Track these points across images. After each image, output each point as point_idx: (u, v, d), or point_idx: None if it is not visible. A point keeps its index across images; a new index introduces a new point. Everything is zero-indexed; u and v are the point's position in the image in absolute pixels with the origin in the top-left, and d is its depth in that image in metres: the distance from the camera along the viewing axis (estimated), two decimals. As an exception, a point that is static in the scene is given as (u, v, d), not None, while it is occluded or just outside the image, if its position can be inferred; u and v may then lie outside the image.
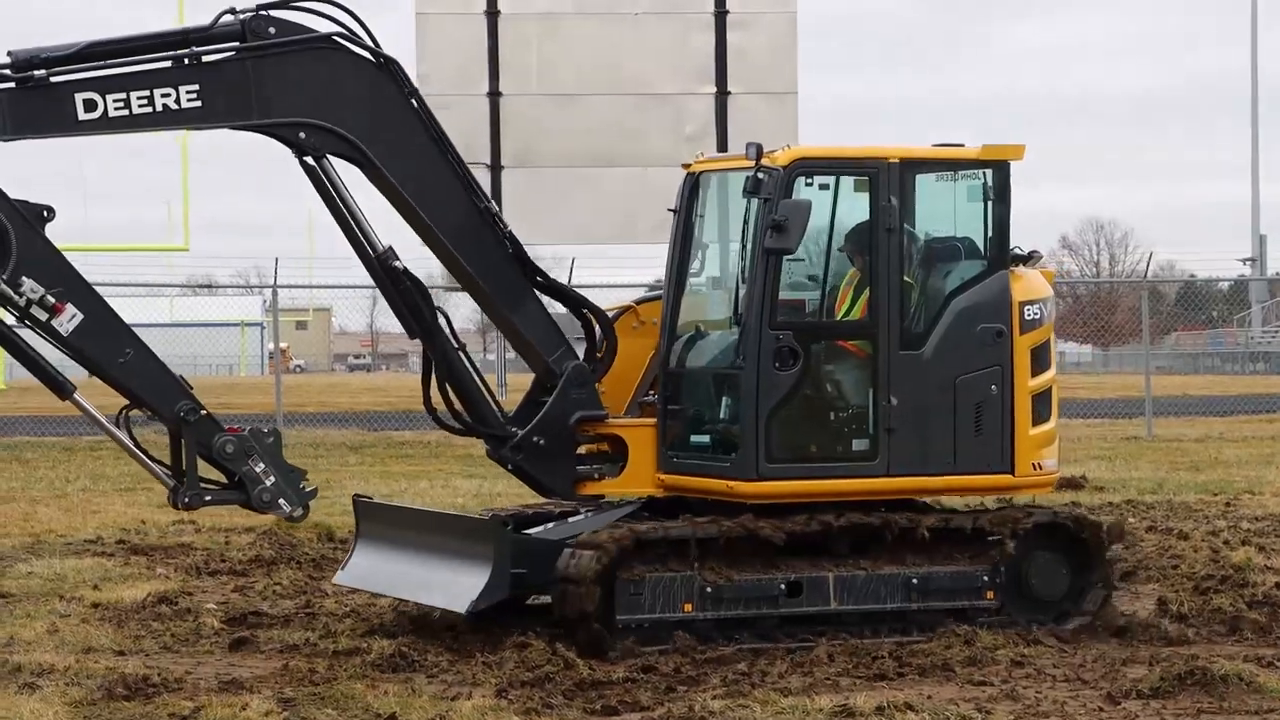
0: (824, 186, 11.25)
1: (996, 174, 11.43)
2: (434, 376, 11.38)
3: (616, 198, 31.64)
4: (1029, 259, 11.68)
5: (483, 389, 11.37)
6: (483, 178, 28.99)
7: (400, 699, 9.51)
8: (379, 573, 11.68)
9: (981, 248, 11.48)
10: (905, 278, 11.29)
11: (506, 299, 11.27)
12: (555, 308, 11.72)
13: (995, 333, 11.34)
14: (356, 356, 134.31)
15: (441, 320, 11.18)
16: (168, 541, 16.00)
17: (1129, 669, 10.31)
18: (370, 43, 10.91)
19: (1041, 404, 11.53)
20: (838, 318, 11.35)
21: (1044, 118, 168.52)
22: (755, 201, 11.05)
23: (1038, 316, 11.50)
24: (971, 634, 10.88)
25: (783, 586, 11.02)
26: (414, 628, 11.43)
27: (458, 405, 11.40)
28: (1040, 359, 11.55)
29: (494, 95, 31.94)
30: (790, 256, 11.07)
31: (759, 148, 11.10)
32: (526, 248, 11.43)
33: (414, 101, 10.96)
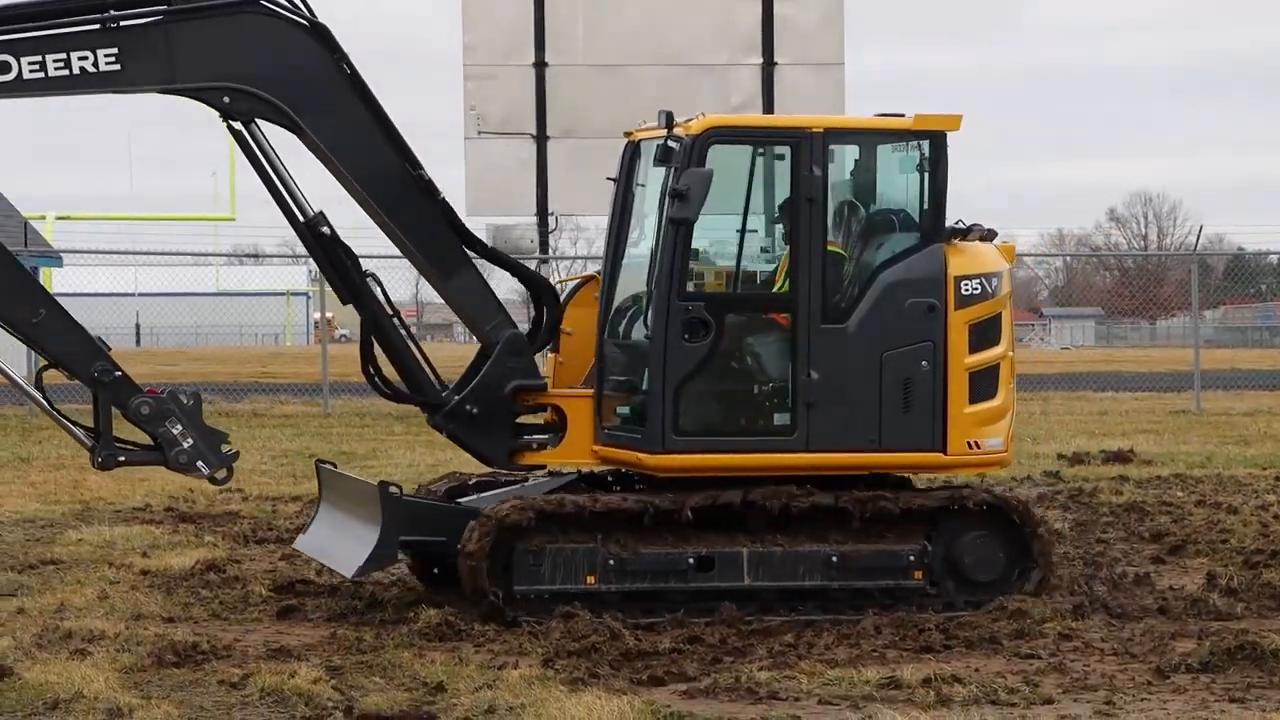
0: (760, 155, 11.07)
1: (931, 145, 11.11)
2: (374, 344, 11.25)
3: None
4: (968, 232, 11.31)
5: (417, 356, 11.29)
6: (528, 148, 29.05)
7: (447, 668, 9.54)
8: (319, 539, 11.76)
9: (914, 220, 11.20)
10: (830, 250, 11.08)
11: (440, 267, 11.19)
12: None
13: (926, 307, 11.02)
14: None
15: (376, 287, 11.13)
16: (215, 510, 16.06)
17: (1178, 643, 10.27)
18: (300, 7, 10.82)
19: (984, 381, 11.13)
20: (774, 290, 11.15)
21: (1092, 89, 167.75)
22: (668, 171, 10.92)
23: (978, 291, 11.10)
24: (1019, 607, 10.83)
25: (691, 561, 10.90)
26: (460, 598, 11.46)
27: (389, 373, 11.34)
28: (985, 335, 11.14)
29: (540, 66, 31.93)
30: (701, 225, 10.84)
31: (669, 115, 11.02)
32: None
33: (345, 67, 10.86)
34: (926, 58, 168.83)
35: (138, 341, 72.80)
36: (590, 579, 10.79)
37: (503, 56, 31.95)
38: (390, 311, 11.21)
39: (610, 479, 11.52)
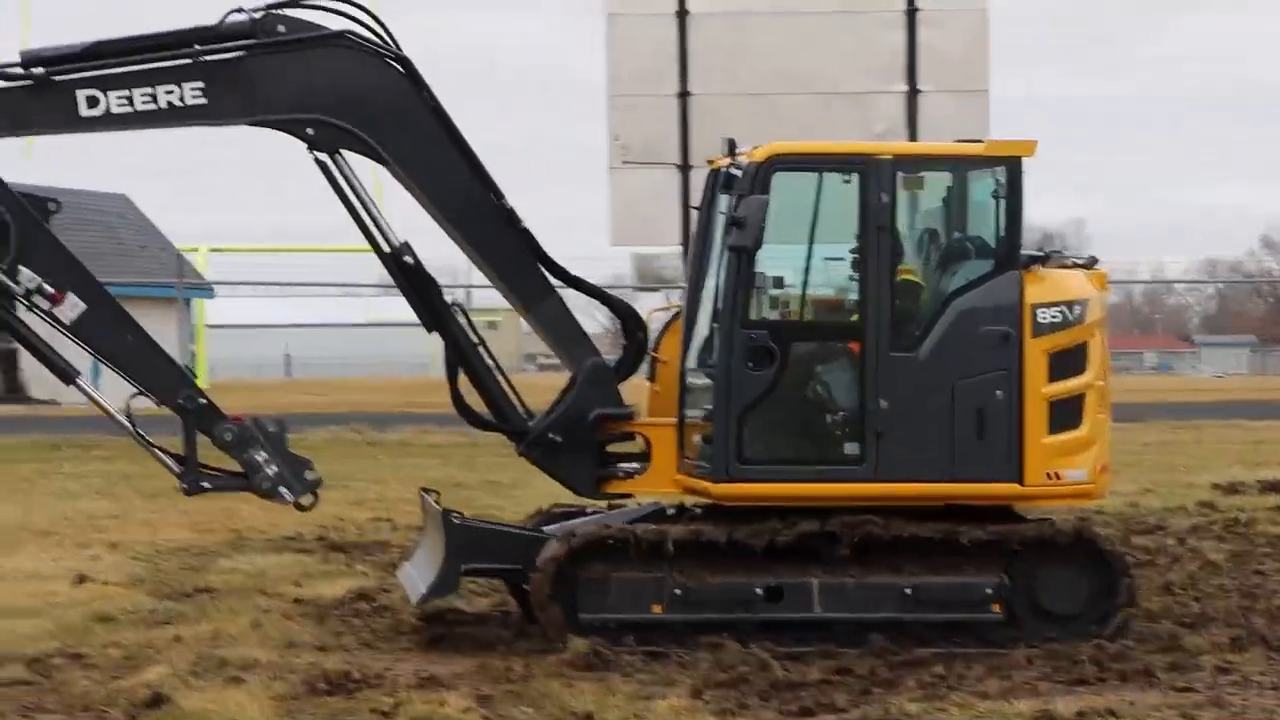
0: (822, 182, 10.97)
1: (1007, 171, 10.98)
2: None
3: (807, 198, 31.57)
4: (1047, 259, 11.12)
5: (502, 384, 11.34)
6: (671, 178, 29.12)
7: (596, 698, 9.56)
8: (410, 568, 11.88)
9: (988, 247, 11.06)
10: (904, 278, 10.99)
11: (523, 295, 11.27)
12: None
13: (1000, 336, 10.87)
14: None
15: (460, 316, 11.23)
16: (365, 539, 16.21)
17: (1338, 676, 10.09)
18: (386, 40, 10.94)
19: (1066, 411, 10.93)
20: (844, 318, 11.04)
21: (1247, 111, 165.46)
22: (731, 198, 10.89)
23: (1058, 319, 10.91)
24: (1173, 638, 10.68)
25: (759, 591, 10.82)
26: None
27: (464, 400, 11.39)
28: (1067, 364, 10.94)
29: (683, 95, 31.98)
30: (765, 253, 10.81)
31: (731, 143, 10.97)
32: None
33: (428, 99, 10.96)
34: (1072, 82, 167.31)
35: (288, 372, 73.63)
36: (656, 608, 10.79)
37: (646, 86, 32.03)
38: (475, 340, 11.29)
39: (698, 510, 11.37)
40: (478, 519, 11.61)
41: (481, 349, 11.28)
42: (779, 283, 11.04)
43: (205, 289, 45.89)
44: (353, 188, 11.03)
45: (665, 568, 10.80)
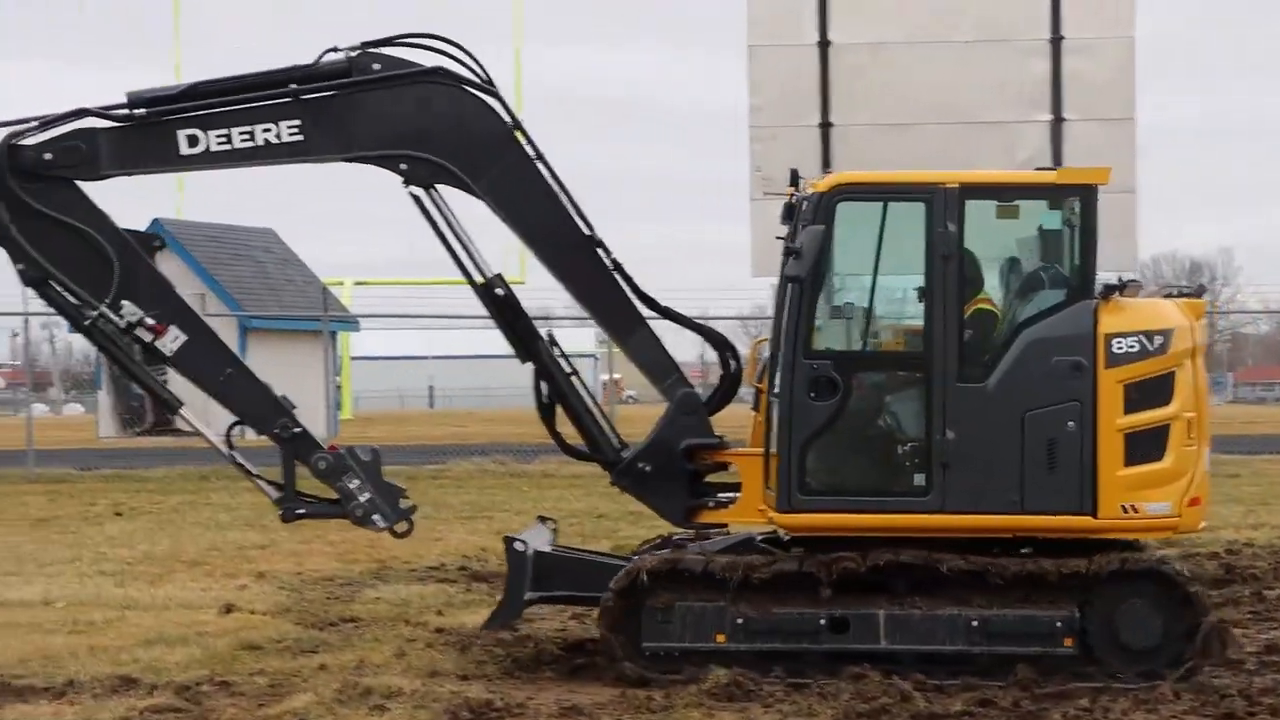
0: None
1: (1079, 199, 10.84)
2: (558, 405, 11.49)
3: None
4: (1123, 288, 10.93)
5: (596, 414, 11.43)
6: (814, 209, 29.06)
7: (737, 728, 9.55)
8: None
9: (1061, 277, 10.92)
10: (980, 307, 10.92)
11: (613, 326, 11.36)
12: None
13: (1072, 365, 10.70)
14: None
15: (553, 347, 11.36)
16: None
17: None
18: (476, 75, 11.07)
19: (1147, 442, 10.70)
20: (906, 349, 10.99)
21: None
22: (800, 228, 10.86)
23: (1135, 350, 10.70)
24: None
25: (824, 622, 10.77)
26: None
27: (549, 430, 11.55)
28: (1149, 394, 10.73)
29: (825, 126, 31.99)
30: (835, 284, 10.87)
31: (794, 173, 10.95)
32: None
33: (519, 132, 11.08)
34: (1222, 102, 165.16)
35: (431, 403, 74.17)
36: (720, 637, 10.82)
37: (787, 118, 32.04)
38: (568, 370, 11.40)
39: (788, 539, 11.33)
40: (565, 548, 11.73)
41: (575, 379, 11.41)
42: (842, 312, 11.05)
43: (350, 322, 46.37)
44: (447, 221, 11.21)
45: (728, 597, 10.85)
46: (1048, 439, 10.69)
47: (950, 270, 10.76)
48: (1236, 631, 12.60)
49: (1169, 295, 11.27)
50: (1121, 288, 10.96)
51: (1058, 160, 31.86)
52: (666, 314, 11.58)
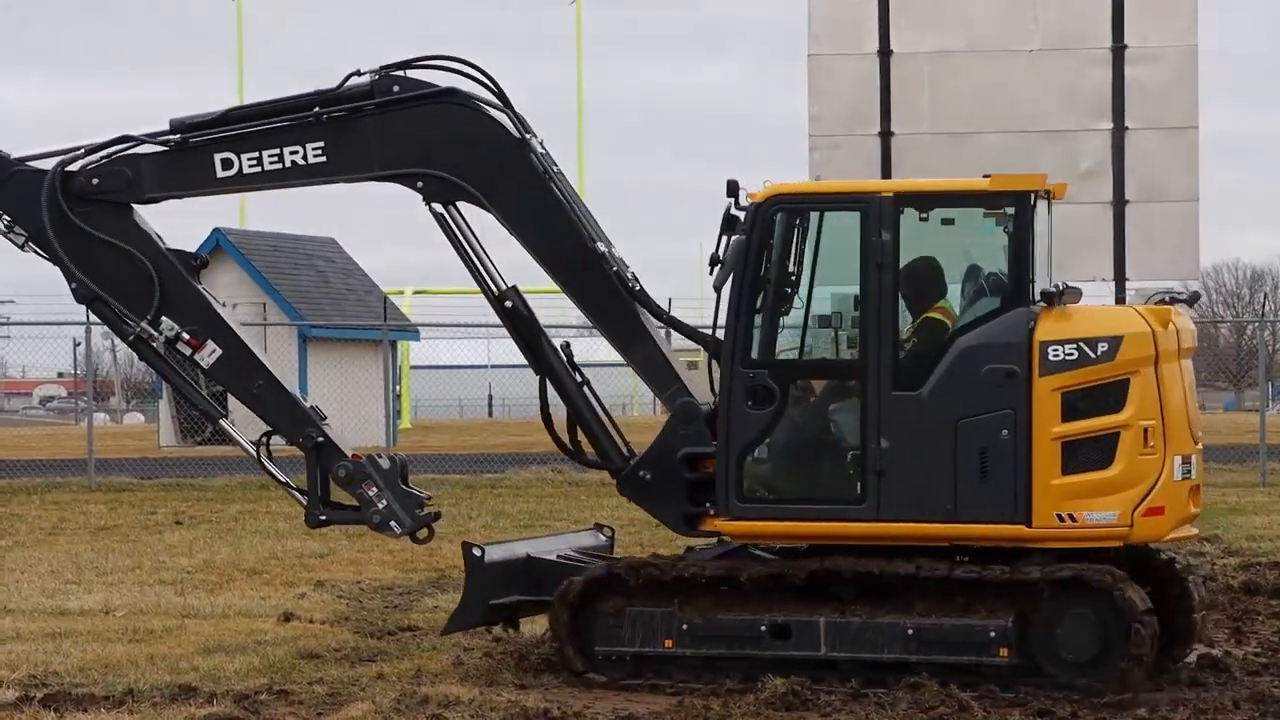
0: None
1: (1013, 206, 10.78)
2: (570, 414, 11.68)
3: (1010, 236, 31.26)
4: (1061, 295, 10.74)
5: (605, 423, 11.60)
6: (874, 218, 28.98)
7: (794, 738, 9.53)
8: None
9: (999, 284, 10.85)
10: (930, 315, 10.91)
11: (617, 338, 11.53)
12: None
13: (1005, 373, 10.64)
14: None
15: (566, 358, 11.60)
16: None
17: None
18: (491, 94, 11.41)
19: (1090, 451, 10.58)
20: (842, 357, 11.04)
21: None
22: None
23: (1073, 357, 10.57)
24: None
25: (764, 628, 10.81)
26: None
27: (560, 438, 11.73)
28: (1094, 402, 10.59)
29: (885, 135, 31.90)
30: (774, 294, 10.94)
31: (733, 183, 10.99)
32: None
33: (531, 150, 11.35)
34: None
35: (490, 412, 74.32)
36: (668, 643, 10.93)
37: (848, 126, 31.98)
38: (579, 381, 11.63)
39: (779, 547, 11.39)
40: (573, 554, 11.95)
41: (586, 389, 11.65)
42: (779, 322, 11.09)
43: (411, 331, 46.50)
44: (465, 236, 11.56)
45: (675, 603, 10.98)
46: (981, 447, 10.66)
47: (885, 279, 10.80)
48: (1299, 643, 12.52)
49: (1161, 302, 11.14)
50: (1060, 295, 10.80)
51: (1119, 170, 31.73)
52: (672, 324, 11.83)
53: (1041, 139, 31.82)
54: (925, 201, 11.03)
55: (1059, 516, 10.62)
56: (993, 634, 10.59)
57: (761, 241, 10.93)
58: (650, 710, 10.32)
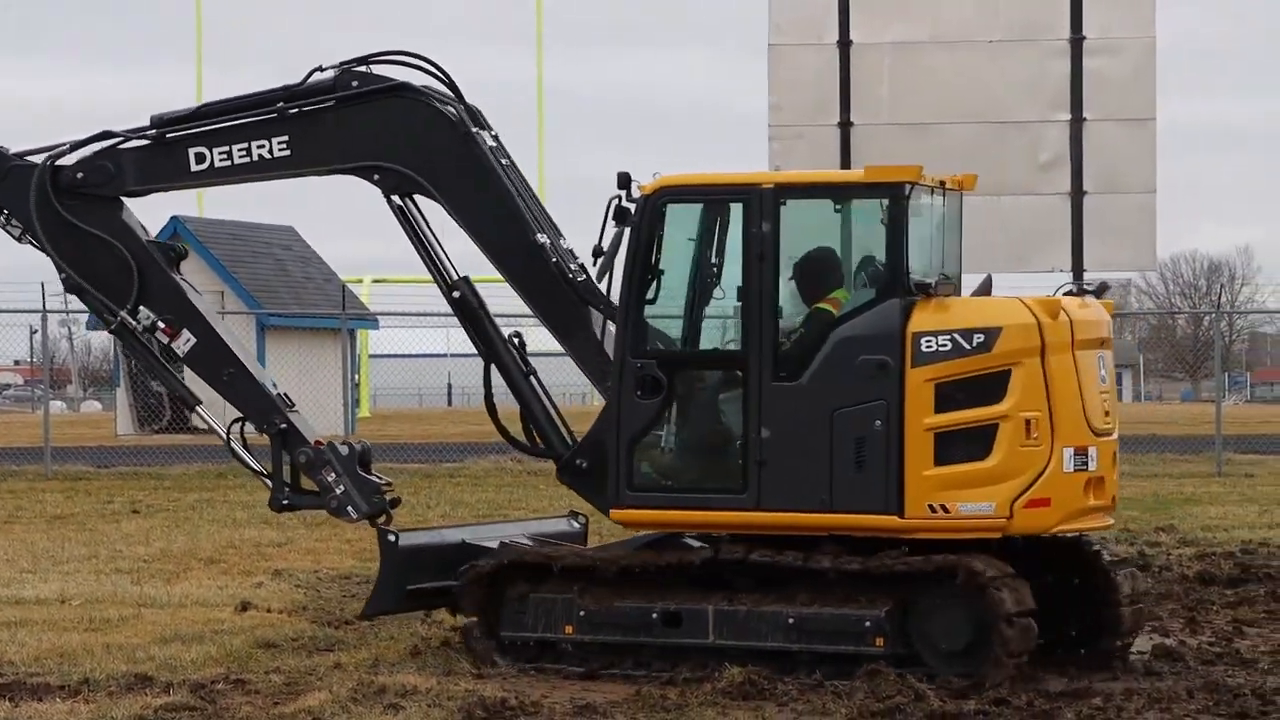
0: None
1: (887, 198, 10.83)
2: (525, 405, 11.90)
3: (971, 227, 31.38)
4: (934, 287, 10.76)
5: (549, 412, 11.82)
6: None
7: (751, 727, 9.55)
8: None
9: (877, 275, 10.87)
10: (817, 305, 10.99)
11: (555, 326, 11.77)
12: None
13: (877, 365, 10.68)
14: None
15: (515, 348, 11.87)
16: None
17: None
18: (444, 87, 11.77)
19: (966, 442, 10.57)
20: (726, 348, 11.15)
21: None
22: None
23: (946, 348, 10.57)
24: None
25: (655, 616, 10.94)
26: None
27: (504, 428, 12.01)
28: (970, 393, 10.57)
29: (844, 125, 31.97)
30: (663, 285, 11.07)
31: (624, 175, 11.12)
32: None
33: (479, 142, 11.62)
34: (1241, 105, 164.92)
35: (449, 401, 74.24)
36: (569, 629, 11.11)
37: (808, 117, 32.03)
38: (525, 370, 11.87)
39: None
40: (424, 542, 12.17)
41: (533, 378, 11.89)
42: (667, 313, 11.21)
43: (369, 320, 46.42)
44: (420, 229, 11.92)
45: (575, 590, 11.14)
46: (856, 438, 10.72)
47: (766, 270, 10.88)
48: (1251, 631, 12.61)
49: (1070, 294, 11.16)
50: (933, 286, 10.83)
51: (1077, 161, 31.84)
52: (612, 315, 11.78)
53: (1003, 130, 31.91)
54: (805, 193, 11.14)
55: (931, 507, 10.64)
56: (868, 624, 10.64)
57: (650, 233, 11.04)
58: (608, 699, 10.33)
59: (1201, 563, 15.87)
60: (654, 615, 10.99)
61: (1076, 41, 31.91)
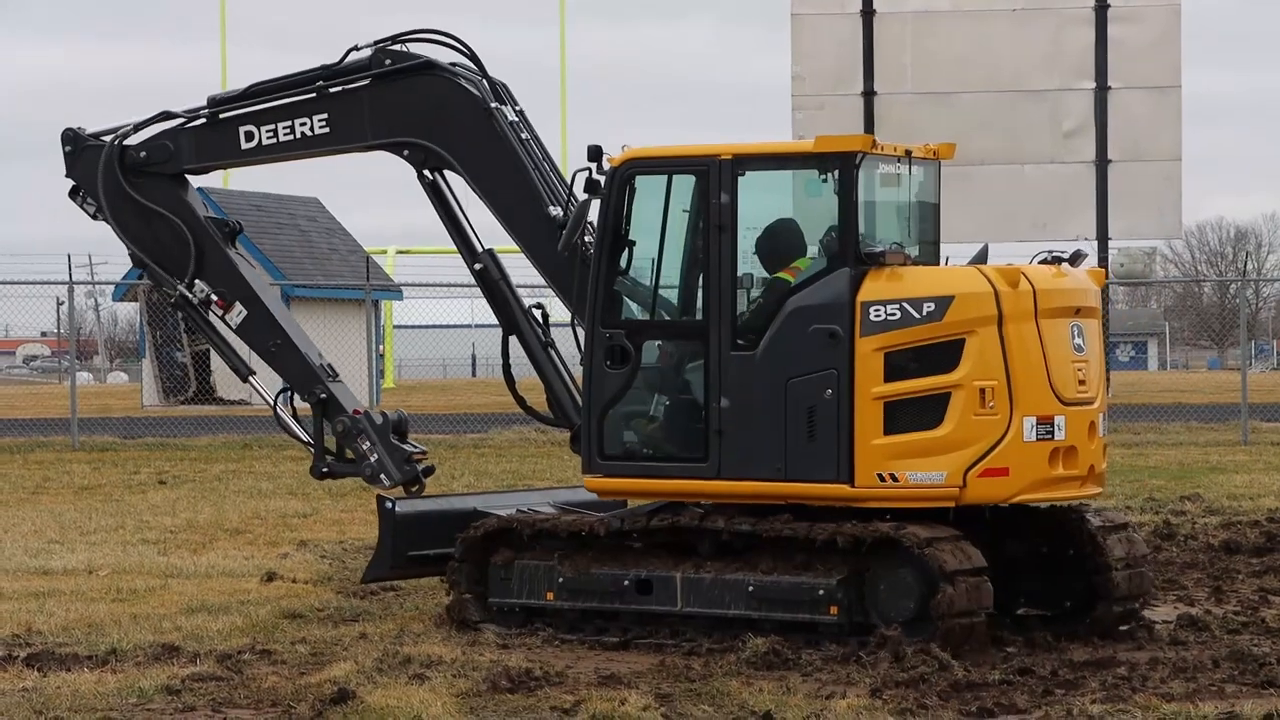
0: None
1: (837, 168, 10.80)
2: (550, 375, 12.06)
3: (993, 196, 31.35)
4: (882, 256, 10.71)
5: (565, 382, 12.01)
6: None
7: (775, 696, 9.58)
8: None
9: (829, 244, 10.88)
10: (777, 275, 11.01)
11: (569, 300, 11.79)
12: None
13: (828, 334, 10.70)
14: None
15: (536, 322, 12.11)
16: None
17: None
18: (472, 65, 12.06)
19: (917, 411, 10.55)
20: (688, 318, 11.19)
21: None
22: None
23: (895, 317, 10.56)
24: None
25: (628, 583, 11.08)
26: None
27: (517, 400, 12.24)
28: (922, 362, 10.56)
29: (868, 95, 31.95)
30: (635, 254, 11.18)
31: (596, 148, 11.22)
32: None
33: (498, 116, 11.85)
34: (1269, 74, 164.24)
35: (473, 372, 74.33)
36: (550, 595, 11.31)
37: (831, 86, 32.01)
38: (544, 342, 12.11)
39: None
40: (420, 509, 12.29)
41: (551, 350, 12.11)
42: (634, 283, 11.32)
43: (394, 290, 46.47)
44: (446, 202, 12.20)
45: (556, 557, 11.32)
46: (807, 407, 10.78)
47: (725, 240, 10.95)
48: (1277, 600, 12.59)
49: (1045, 262, 11.11)
50: (882, 255, 10.79)
51: (1102, 129, 31.74)
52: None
53: (1025, 99, 31.84)
54: (759, 164, 11.15)
55: (880, 476, 10.65)
56: (821, 592, 10.69)
57: (618, 205, 11.15)
58: (632, 670, 10.36)
59: (1227, 531, 15.85)
60: (625, 582, 11.15)
61: (1101, 9, 31.79)
